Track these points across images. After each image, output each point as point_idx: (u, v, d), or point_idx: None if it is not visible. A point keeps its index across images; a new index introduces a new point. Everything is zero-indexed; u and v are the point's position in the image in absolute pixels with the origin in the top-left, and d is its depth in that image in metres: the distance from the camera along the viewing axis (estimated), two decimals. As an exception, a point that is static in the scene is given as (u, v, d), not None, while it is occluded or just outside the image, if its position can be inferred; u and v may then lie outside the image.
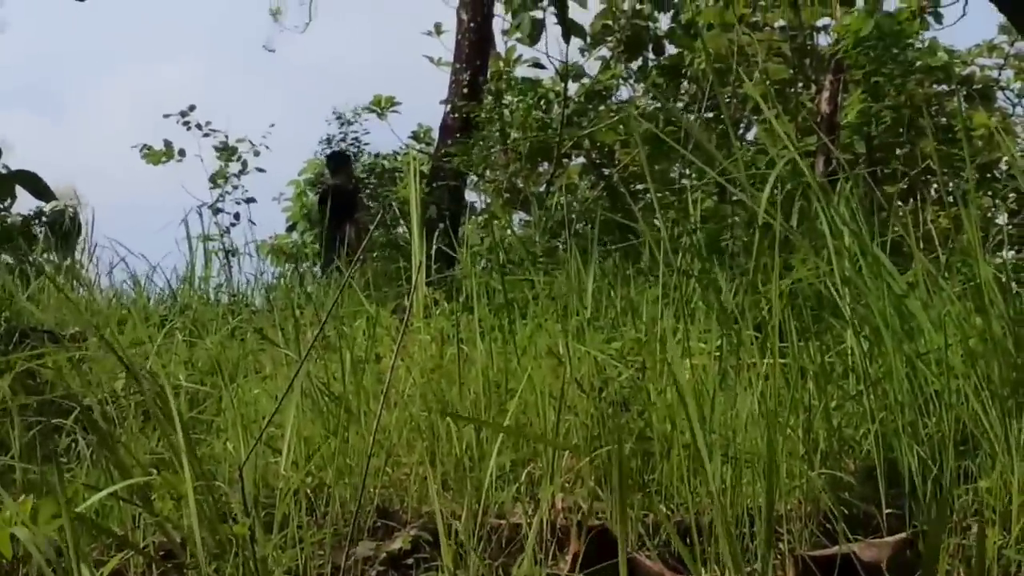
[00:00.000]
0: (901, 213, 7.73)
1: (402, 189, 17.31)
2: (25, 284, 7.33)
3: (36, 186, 10.49)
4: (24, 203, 11.90)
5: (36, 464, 3.56)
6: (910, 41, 12.73)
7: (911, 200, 12.00)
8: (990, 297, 3.64)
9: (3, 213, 12.35)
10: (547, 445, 3.59)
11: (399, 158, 21.07)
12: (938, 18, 13.33)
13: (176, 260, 13.58)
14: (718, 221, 9.06)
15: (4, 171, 10.93)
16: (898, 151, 13.34)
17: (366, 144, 22.62)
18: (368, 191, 20.06)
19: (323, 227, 14.33)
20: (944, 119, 13.52)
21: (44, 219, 12.16)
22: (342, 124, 22.63)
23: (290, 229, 23.56)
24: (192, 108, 17.74)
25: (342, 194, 14.87)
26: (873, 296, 3.84)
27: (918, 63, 12.89)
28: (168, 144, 17.83)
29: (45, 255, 10.46)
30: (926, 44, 13.34)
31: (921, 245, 4.69)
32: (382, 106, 17.87)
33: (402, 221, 16.44)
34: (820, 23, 14.17)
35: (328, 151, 22.08)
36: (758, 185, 4.45)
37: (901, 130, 13.07)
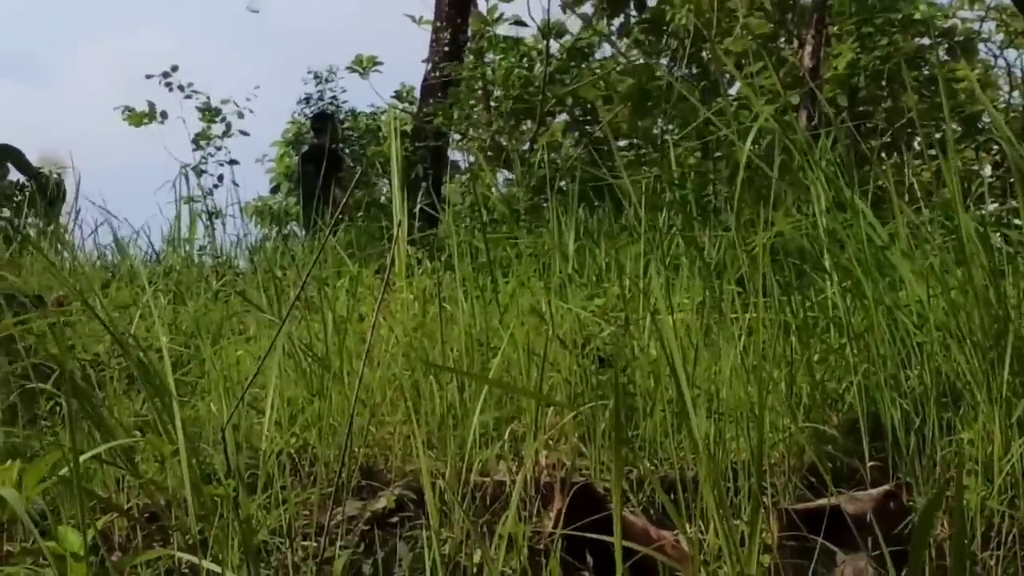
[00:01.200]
0: (884, 167, 7.71)
1: (385, 148, 17.22)
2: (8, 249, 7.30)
3: (19, 162, 10.51)
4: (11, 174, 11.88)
5: (19, 428, 3.55)
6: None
7: (894, 154, 11.99)
8: (971, 249, 3.64)
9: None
10: (530, 397, 3.58)
11: (377, 118, 21.04)
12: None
13: (160, 223, 13.62)
14: (701, 176, 9.05)
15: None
16: (882, 105, 13.32)
17: (344, 102, 22.66)
18: (349, 150, 20.03)
19: (306, 187, 14.25)
20: (928, 71, 13.51)
21: (28, 186, 12.11)
22: (319, 83, 22.68)
23: (274, 191, 23.60)
24: (175, 69, 17.59)
25: (325, 153, 14.77)
26: (854, 247, 3.84)
27: (901, 15, 12.88)
28: (151, 105, 17.67)
29: (29, 220, 10.42)
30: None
31: (906, 198, 4.68)
32: (364, 65, 17.73)
33: (385, 180, 16.41)
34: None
35: (306, 110, 22.11)
36: (741, 140, 4.43)
37: (884, 83, 13.05)
